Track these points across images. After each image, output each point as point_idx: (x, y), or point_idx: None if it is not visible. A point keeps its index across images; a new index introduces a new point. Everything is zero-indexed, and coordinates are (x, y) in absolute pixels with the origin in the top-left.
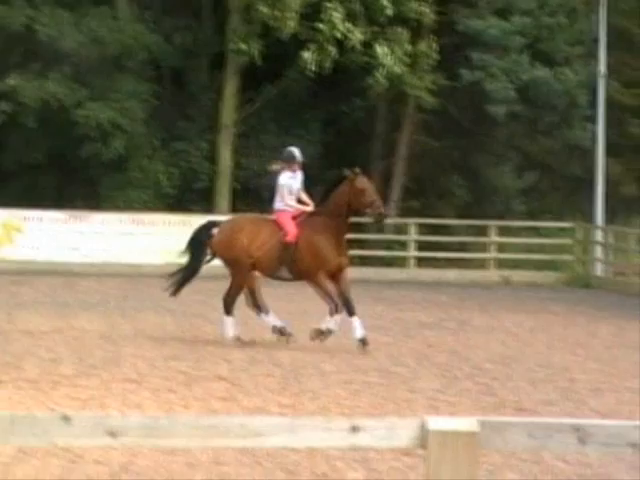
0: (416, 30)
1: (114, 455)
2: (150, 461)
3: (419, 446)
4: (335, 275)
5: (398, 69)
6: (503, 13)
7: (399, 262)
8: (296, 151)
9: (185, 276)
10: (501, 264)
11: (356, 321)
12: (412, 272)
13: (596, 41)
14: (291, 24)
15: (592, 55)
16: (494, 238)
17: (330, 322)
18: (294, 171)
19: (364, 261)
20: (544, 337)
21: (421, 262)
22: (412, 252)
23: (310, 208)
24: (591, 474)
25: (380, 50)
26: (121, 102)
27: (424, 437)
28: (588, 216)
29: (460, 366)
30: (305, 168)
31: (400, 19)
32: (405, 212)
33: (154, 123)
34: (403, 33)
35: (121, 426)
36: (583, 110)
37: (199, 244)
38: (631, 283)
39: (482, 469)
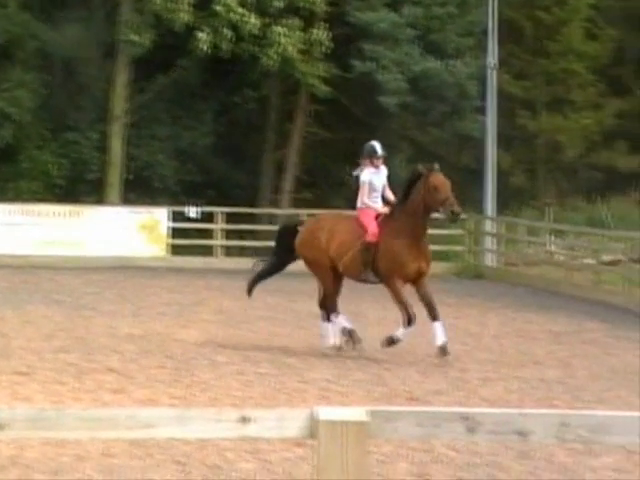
0: (308, 20)
1: (1, 448)
2: (39, 454)
3: (309, 436)
4: (415, 280)
5: (292, 52)
6: (394, 4)
7: None
8: (377, 145)
9: (262, 274)
10: None
11: (438, 327)
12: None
13: (486, 33)
14: (185, 16)
15: (482, 47)
16: None
17: (399, 331)
18: (377, 167)
19: (257, 252)
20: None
21: None
22: None
23: (386, 210)
24: (481, 462)
25: (275, 30)
26: (10, 91)
27: (314, 427)
28: (479, 207)
29: (352, 356)
30: (197, 158)
31: (292, 9)
32: (297, 203)
33: (44, 113)
34: (296, 20)
35: (8, 418)
36: (474, 101)
37: (284, 243)
38: (521, 273)
39: (373, 459)
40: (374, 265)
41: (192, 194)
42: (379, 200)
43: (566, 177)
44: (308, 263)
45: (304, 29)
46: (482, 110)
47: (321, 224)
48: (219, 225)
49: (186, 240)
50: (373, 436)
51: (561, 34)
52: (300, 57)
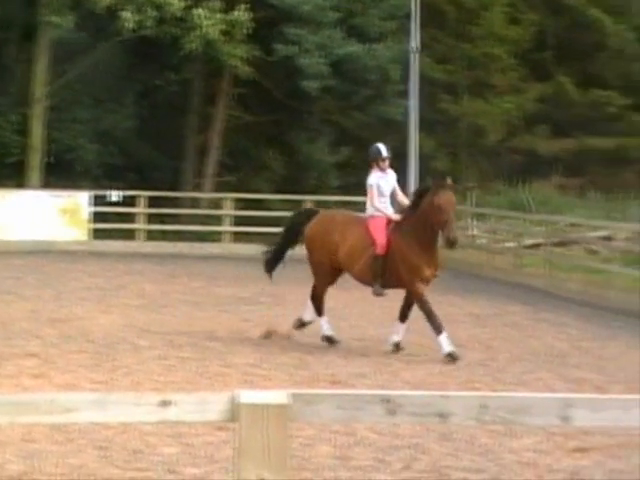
0: (230, 2)
1: None
2: None
3: (230, 420)
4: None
5: (214, 34)
6: None
7: (214, 237)
8: (382, 147)
9: (276, 256)
10: None
11: (403, 328)
12: (228, 247)
13: (409, 17)
14: None
15: (405, 31)
16: None
17: (439, 342)
18: (383, 170)
19: (179, 236)
20: (358, 311)
21: (237, 237)
22: (228, 227)
23: (397, 217)
24: (402, 444)
25: (196, 13)
26: None
27: (235, 410)
28: (403, 191)
29: (275, 340)
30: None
31: None
32: (221, 187)
33: None
34: (217, 2)
35: None
36: (396, 85)
37: (294, 232)
38: (443, 256)
39: (296, 442)
40: (385, 277)
41: (114, 178)
42: (388, 205)
43: (488, 161)
44: (311, 258)
45: (226, 11)
46: (405, 94)
47: (334, 224)
48: (141, 209)
49: (108, 224)
50: (294, 419)
51: (483, 18)
52: (222, 38)
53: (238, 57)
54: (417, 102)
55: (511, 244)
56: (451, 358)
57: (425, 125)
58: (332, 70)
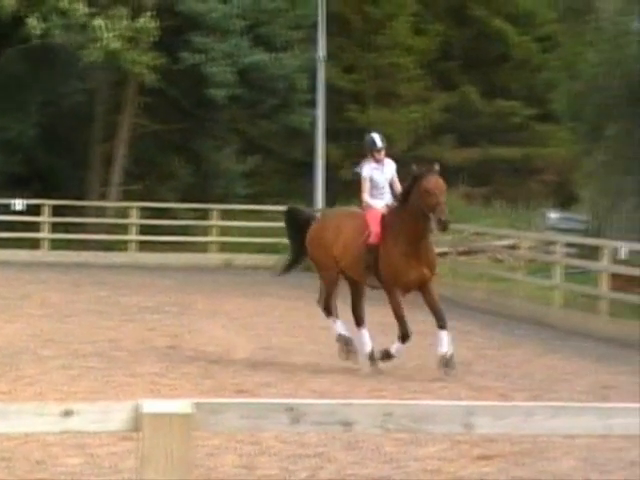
0: (137, 10)
1: None
2: None
3: (133, 429)
4: (420, 287)
5: (116, 44)
6: None
7: (120, 246)
8: (377, 137)
9: (289, 264)
10: (223, 247)
11: (444, 336)
12: (134, 256)
13: (315, 26)
14: (11, 2)
15: (312, 40)
16: (216, 222)
17: (394, 346)
18: (378, 161)
19: (84, 245)
20: (265, 320)
21: (143, 246)
22: (134, 236)
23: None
24: (308, 453)
25: (97, 24)
26: None
27: (138, 420)
28: (309, 200)
29: (181, 350)
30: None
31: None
32: (126, 196)
33: None
34: (123, 10)
35: None
36: (303, 94)
37: (299, 237)
38: None
39: (201, 452)
40: (377, 268)
41: (18, 186)
42: (385, 197)
43: (396, 170)
44: (313, 262)
45: (132, 18)
46: (312, 103)
47: (329, 222)
48: (45, 218)
49: (12, 233)
50: (198, 428)
51: (388, 28)
52: (127, 46)
53: (143, 65)
54: (324, 111)
55: None
56: (388, 357)
57: (332, 134)
58: (239, 78)
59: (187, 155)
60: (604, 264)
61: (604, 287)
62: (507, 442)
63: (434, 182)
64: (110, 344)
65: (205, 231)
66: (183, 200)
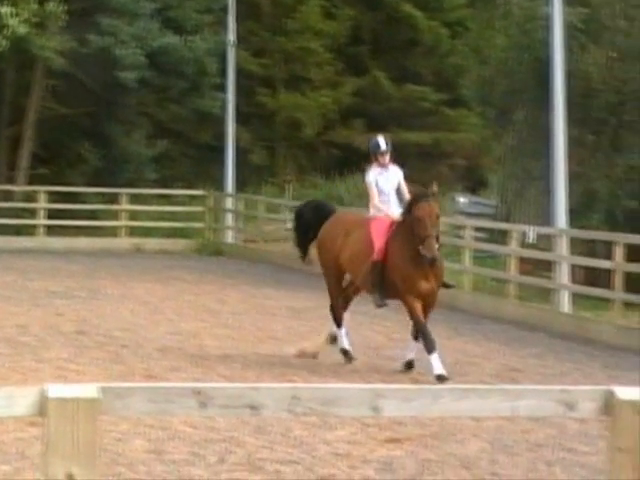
0: None
1: None
2: None
3: (39, 414)
4: (428, 302)
5: (23, 29)
6: None
7: (28, 230)
8: (381, 139)
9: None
10: (133, 232)
11: (415, 346)
12: (42, 240)
13: (225, 10)
14: None
15: (222, 24)
16: (125, 206)
17: (432, 361)
18: (383, 165)
19: None
20: (174, 305)
21: (51, 230)
22: (42, 220)
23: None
24: (217, 438)
25: (3, 11)
26: None
27: (43, 405)
28: (219, 184)
29: (90, 335)
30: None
31: None
32: (34, 180)
33: None
34: None
35: None
36: (213, 78)
37: (305, 227)
38: (261, 250)
39: (110, 437)
40: (384, 285)
41: None
42: (390, 205)
43: (305, 154)
44: (320, 262)
45: (40, 2)
46: (222, 87)
47: (339, 226)
48: None
49: None
50: (105, 413)
51: (299, 12)
52: (35, 32)
53: (52, 49)
54: (234, 95)
55: None
56: (440, 380)
57: (242, 118)
58: (148, 62)
59: (96, 139)
60: (512, 248)
61: (512, 271)
62: (416, 425)
63: (424, 211)
64: (17, 329)
65: (114, 215)
66: (92, 184)
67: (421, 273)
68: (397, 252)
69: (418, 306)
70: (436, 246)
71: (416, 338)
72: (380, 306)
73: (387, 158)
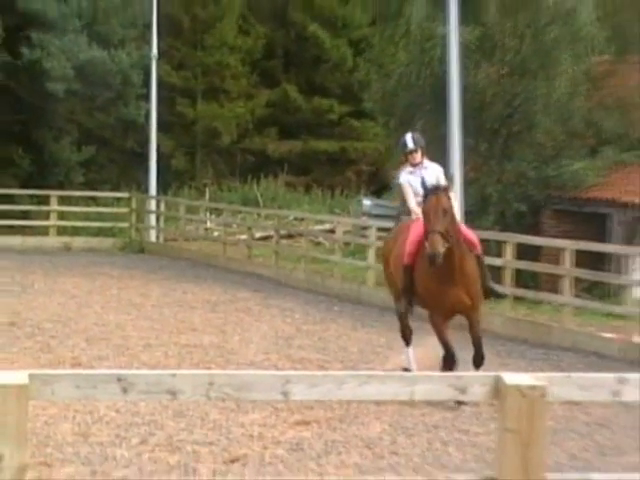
0: None
1: None
2: None
3: None
4: (464, 314)
5: None
6: None
7: None
8: (408, 137)
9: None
10: (62, 231)
11: None
12: None
13: (149, 26)
14: None
15: (145, 39)
16: (55, 207)
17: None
18: (414, 164)
19: None
20: (100, 298)
21: None
22: None
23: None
24: (140, 421)
25: None
26: None
27: None
28: (144, 187)
29: (21, 326)
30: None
31: None
32: None
33: None
34: None
35: None
36: (137, 89)
37: None
38: (181, 248)
39: (39, 421)
40: (413, 291)
41: None
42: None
43: (223, 160)
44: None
45: None
46: (145, 97)
47: (393, 234)
48: None
49: None
50: (34, 398)
51: (216, 29)
52: None
53: None
54: (156, 105)
55: (243, 236)
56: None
57: (164, 127)
58: (76, 73)
59: (27, 144)
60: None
61: None
62: (323, 408)
63: (430, 204)
64: None
65: (45, 216)
66: (24, 186)
67: (443, 286)
68: (423, 260)
69: (437, 317)
70: (441, 243)
71: (477, 366)
72: (401, 315)
73: (418, 156)
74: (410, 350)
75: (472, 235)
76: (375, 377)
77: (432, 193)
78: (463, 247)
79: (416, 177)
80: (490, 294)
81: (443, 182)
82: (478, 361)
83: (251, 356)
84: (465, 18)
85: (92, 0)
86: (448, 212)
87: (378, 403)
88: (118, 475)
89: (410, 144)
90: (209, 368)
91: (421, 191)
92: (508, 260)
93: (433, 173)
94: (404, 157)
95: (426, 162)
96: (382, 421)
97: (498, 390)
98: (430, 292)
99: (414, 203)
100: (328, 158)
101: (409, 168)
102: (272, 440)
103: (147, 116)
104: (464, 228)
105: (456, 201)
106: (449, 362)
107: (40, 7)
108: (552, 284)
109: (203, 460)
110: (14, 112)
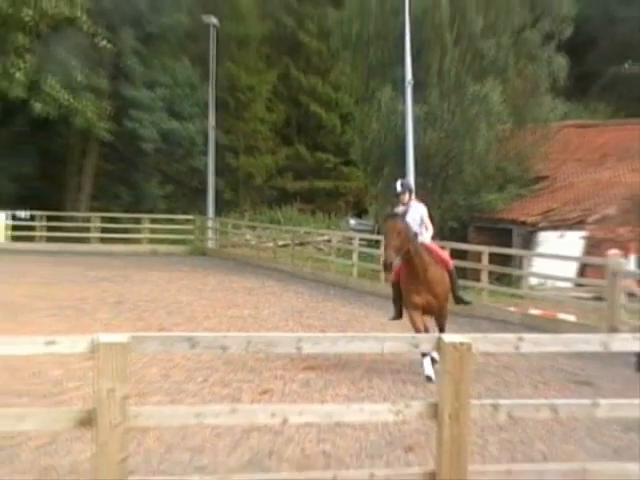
0: (99, 96)
1: None
2: None
3: (92, 352)
4: (431, 310)
5: (91, 116)
6: (151, 86)
7: (87, 240)
8: (398, 183)
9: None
10: (151, 241)
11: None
12: (95, 247)
13: (207, 105)
14: (21, 92)
15: (205, 114)
16: (146, 225)
17: (425, 363)
18: (403, 204)
19: (63, 239)
20: (176, 286)
21: (102, 240)
22: (96, 234)
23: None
24: (203, 366)
25: (80, 103)
26: None
27: (95, 347)
28: (204, 212)
29: (124, 304)
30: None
31: (89, 88)
32: (91, 209)
33: None
34: (91, 95)
35: None
36: (200, 147)
37: None
38: (229, 252)
39: (136, 366)
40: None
41: (23, 203)
42: (420, 235)
43: (256, 194)
44: None
45: (98, 99)
46: (205, 153)
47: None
48: (39, 222)
49: (19, 232)
50: (132, 351)
51: (251, 107)
52: (96, 117)
53: (103, 129)
54: (213, 158)
55: (270, 244)
56: (427, 380)
57: (217, 172)
58: (160, 137)
59: (127, 184)
60: (382, 250)
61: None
62: (323, 359)
63: (386, 227)
64: (79, 301)
65: (140, 231)
66: (125, 212)
67: (413, 288)
68: (401, 273)
69: (414, 315)
70: (394, 254)
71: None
72: (392, 319)
73: (405, 198)
74: (427, 360)
75: (443, 254)
76: (357, 337)
77: (390, 218)
78: (426, 258)
79: (409, 216)
80: (460, 301)
81: (426, 218)
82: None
83: (276, 323)
84: (417, 99)
85: (170, 89)
86: (402, 232)
87: (360, 355)
88: (189, 401)
89: (398, 188)
90: (247, 331)
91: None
92: None
93: (417, 211)
94: (395, 198)
95: (413, 202)
96: (362, 367)
97: (439, 346)
98: (405, 292)
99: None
100: (326, 193)
101: (401, 207)
102: (289, 379)
103: (206, 165)
104: (435, 248)
105: (429, 231)
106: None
107: (137, 94)
108: (475, 275)
109: (244, 392)
110: (119, 162)
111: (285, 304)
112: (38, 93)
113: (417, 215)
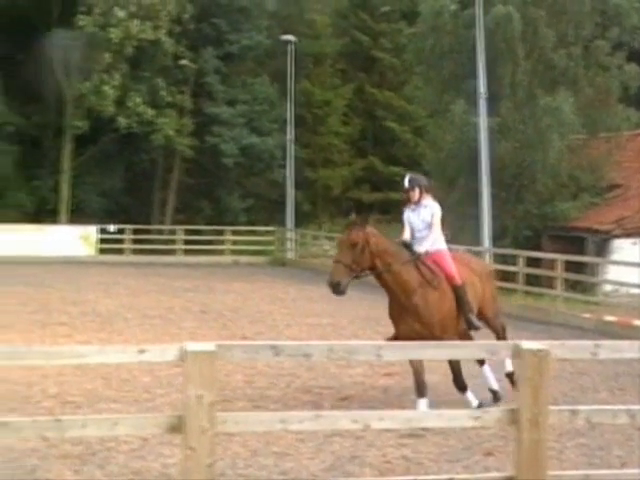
0: (180, 113)
1: None
2: (18, 375)
3: (180, 361)
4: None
5: (172, 133)
6: (232, 103)
7: (172, 252)
8: (406, 177)
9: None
10: (233, 252)
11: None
12: (180, 258)
13: (285, 121)
14: (110, 108)
15: (283, 130)
16: (228, 237)
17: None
18: (414, 202)
19: (150, 251)
20: (257, 295)
21: (186, 252)
22: (180, 245)
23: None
24: (284, 373)
25: (161, 120)
26: None
27: (183, 355)
28: (283, 224)
29: (209, 313)
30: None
31: (171, 105)
32: (175, 222)
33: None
34: (173, 111)
35: None
36: (279, 161)
37: None
38: (308, 262)
39: (221, 373)
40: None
41: (111, 217)
42: (425, 241)
43: (334, 205)
44: None
45: (180, 117)
46: (284, 167)
47: None
48: (127, 235)
49: (108, 245)
50: (218, 360)
51: (328, 122)
52: (177, 134)
53: (185, 145)
54: (292, 171)
55: None
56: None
57: (296, 185)
58: (241, 152)
59: (210, 198)
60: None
61: None
62: (400, 365)
63: (342, 237)
64: (166, 310)
65: (222, 242)
66: (208, 224)
67: (395, 314)
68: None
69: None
70: (342, 273)
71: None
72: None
73: (415, 195)
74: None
75: (450, 266)
76: (432, 345)
77: (346, 227)
78: (411, 276)
79: (415, 214)
80: (470, 325)
81: (436, 220)
82: (457, 384)
83: (355, 331)
84: (489, 112)
85: (250, 105)
86: (357, 245)
87: (435, 361)
88: (272, 407)
89: (406, 184)
90: (326, 339)
91: (420, 226)
92: (520, 267)
93: (429, 211)
94: (405, 195)
95: (426, 201)
96: (438, 373)
97: (518, 352)
98: (390, 317)
99: (406, 237)
100: (401, 204)
101: (412, 206)
102: (369, 385)
103: (285, 178)
104: (441, 257)
105: (435, 235)
106: (420, 387)
107: (218, 111)
108: (549, 282)
109: (325, 398)
110: (201, 177)
111: (362, 312)
112: (124, 110)
113: (428, 215)
